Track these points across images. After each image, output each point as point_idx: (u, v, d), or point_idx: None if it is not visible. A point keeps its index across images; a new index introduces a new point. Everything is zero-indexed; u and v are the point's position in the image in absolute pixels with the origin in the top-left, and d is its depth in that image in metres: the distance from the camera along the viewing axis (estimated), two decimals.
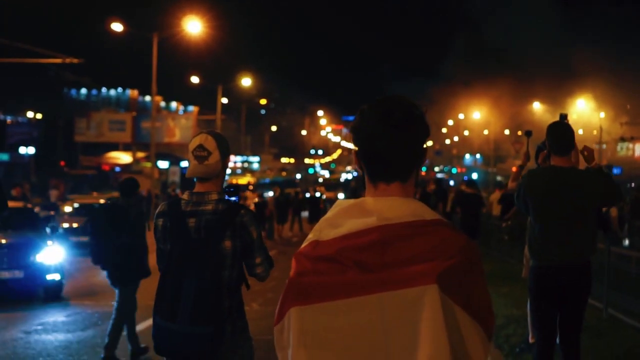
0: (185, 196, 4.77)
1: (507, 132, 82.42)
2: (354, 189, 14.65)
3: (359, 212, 2.42)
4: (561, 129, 6.52)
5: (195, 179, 4.76)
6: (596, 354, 9.22)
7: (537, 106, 67.72)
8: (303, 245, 2.47)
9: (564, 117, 10.34)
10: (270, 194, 33.97)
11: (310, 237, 2.47)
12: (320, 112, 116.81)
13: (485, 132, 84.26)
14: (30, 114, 63.79)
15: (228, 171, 27.20)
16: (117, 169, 60.19)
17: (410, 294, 2.23)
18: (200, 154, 4.69)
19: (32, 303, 14.57)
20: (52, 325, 12.20)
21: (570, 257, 6.21)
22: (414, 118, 2.48)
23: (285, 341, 2.41)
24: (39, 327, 12.06)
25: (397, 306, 2.25)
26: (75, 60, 35.95)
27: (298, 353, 2.33)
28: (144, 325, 10.87)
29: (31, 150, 60.16)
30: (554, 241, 6.20)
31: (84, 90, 67.42)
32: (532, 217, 6.49)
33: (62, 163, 61.57)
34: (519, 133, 71.68)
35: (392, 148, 2.45)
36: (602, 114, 68.90)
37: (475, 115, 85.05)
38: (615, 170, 59.35)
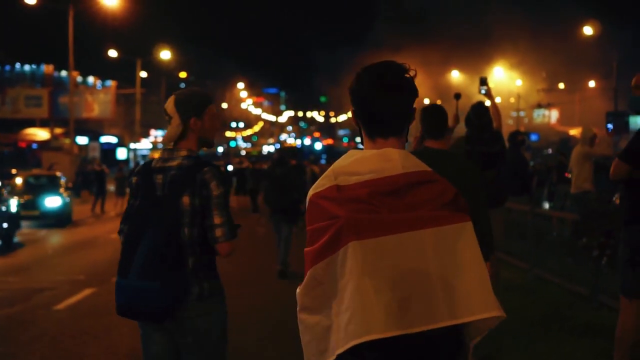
0: (159, 154, 4.68)
1: (427, 101, 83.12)
2: (277, 160, 14.90)
3: (383, 160, 2.81)
4: (434, 113, 6.40)
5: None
6: (524, 312, 9.40)
7: (455, 75, 68.40)
8: (318, 190, 2.81)
9: (484, 80, 10.48)
10: None
11: (324, 182, 2.81)
12: (240, 85, 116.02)
13: None
14: None
15: (149, 146, 27.04)
16: (35, 145, 58.94)
17: (453, 229, 2.74)
18: (165, 118, 4.63)
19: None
20: None
21: None
22: (405, 80, 2.90)
23: (338, 272, 2.69)
24: None
25: (445, 238, 2.72)
26: None
27: (362, 281, 2.64)
28: None
29: None
30: None
31: None
32: None
33: None
34: (439, 102, 72.37)
35: (386, 108, 2.85)
36: (519, 82, 69.96)
37: None
38: (533, 137, 60.49)
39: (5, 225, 19.66)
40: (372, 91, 2.86)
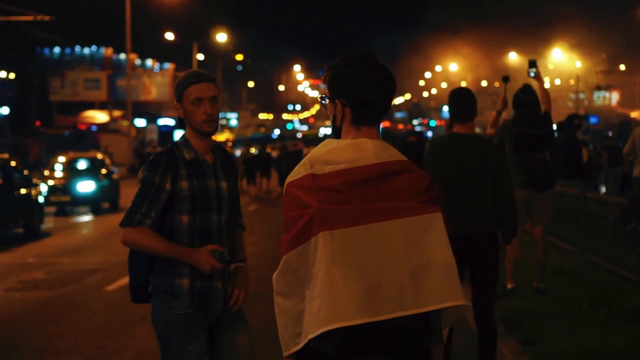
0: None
1: (484, 83, 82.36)
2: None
3: (357, 150, 2.90)
4: (460, 97, 6.33)
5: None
6: (573, 296, 9.28)
7: (513, 56, 67.61)
8: (294, 178, 2.89)
9: (533, 63, 10.34)
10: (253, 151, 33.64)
11: (301, 171, 2.90)
12: (297, 67, 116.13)
13: (463, 83, 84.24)
14: (2, 74, 62.98)
15: None
16: (94, 127, 59.69)
17: (423, 219, 2.83)
18: None
19: (10, 261, 14.52)
20: (32, 283, 12.16)
21: (473, 225, 6.05)
22: (389, 71, 3.02)
23: (310, 260, 2.80)
24: (19, 285, 12.01)
25: (413, 228, 2.82)
26: (46, 18, 35.45)
27: (331, 270, 2.75)
28: None
29: (5, 110, 59.50)
30: (455, 210, 5.99)
31: (57, 49, 66.49)
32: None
33: (38, 123, 60.97)
34: (496, 85, 71.74)
35: (384, 96, 2.98)
36: (579, 63, 68.91)
37: (453, 67, 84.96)
38: (592, 119, 59.56)
39: (28, 212, 18.45)
40: (368, 79, 2.96)
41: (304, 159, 2.97)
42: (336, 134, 3.07)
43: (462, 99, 6.26)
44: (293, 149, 33.46)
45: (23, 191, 18.49)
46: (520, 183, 9.17)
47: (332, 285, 2.75)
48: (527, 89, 9.42)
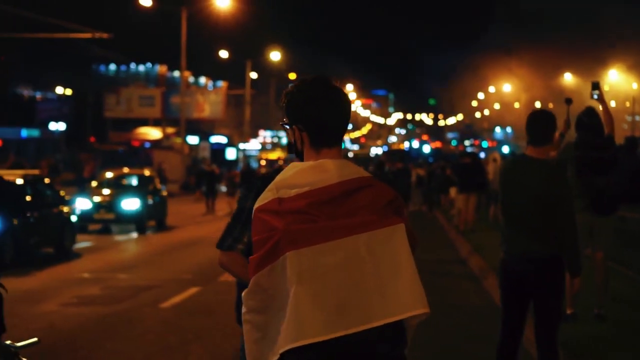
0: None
1: (538, 104, 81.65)
2: (379, 163, 15.09)
3: (320, 171, 2.99)
4: (535, 120, 6.28)
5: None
6: (634, 324, 9.09)
7: (568, 77, 66.93)
8: (261, 204, 3.00)
9: (596, 85, 10.16)
10: None
11: (268, 195, 2.99)
12: (349, 86, 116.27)
13: (516, 105, 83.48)
14: (59, 90, 63.94)
15: (258, 147, 26.66)
16: (147, 144, 60.27)
17: (386, 232, 2.95)
18: None
19: (66, 277, 14.63)
20: (88, 299, 12.23)
21: (532, 249, 6.00)
22: (342, 92, 3.13)
23: (278, 280, 2.91)
24: (75, 300, 12.08)
25: (378, 241, 2.93)
26: (104, 35, 35.88)
27: (299, 289, 2.85)
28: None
29: (61, 126, 60.36)
30: (515, 232, 6.03)
31: (112, 66, 67.39)
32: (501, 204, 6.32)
33: (92, 139, 61.74)
34: (550, 105, 71.02)
35: (336, 118, 3.07)
36: (635, 85, 67.98)
37: (506, 88, 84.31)
38: None
39: (58, 231, 17.53)
40: (318, 103, 3.06)
41: (271, 183, 3.06)
42: (299, 157, 3.15)
43: (535, 122, 6.24)
44: None
45: (53, 209, 17.84)
46: (583, 207, 9.01)
47: (299, 303, 2.85)
48: (590, 112, 9.28)
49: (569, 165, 9.22)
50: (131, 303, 11.85)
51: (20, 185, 17.13)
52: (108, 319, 10.71)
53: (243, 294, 3.03)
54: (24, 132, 57.00)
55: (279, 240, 2.90)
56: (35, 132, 58.11)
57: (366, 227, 2.93)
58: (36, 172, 19.60)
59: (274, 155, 63.51)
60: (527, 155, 6.22)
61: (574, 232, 6.07)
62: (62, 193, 19.13)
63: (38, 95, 63.60)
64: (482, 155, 58.96)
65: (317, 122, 3.06)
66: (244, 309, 3.04)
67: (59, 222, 17.74)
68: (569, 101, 9.77)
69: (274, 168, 4.46)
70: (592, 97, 10.02)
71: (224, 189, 35.34)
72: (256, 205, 3.02)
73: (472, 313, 10.95)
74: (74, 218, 18.65)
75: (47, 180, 18.74)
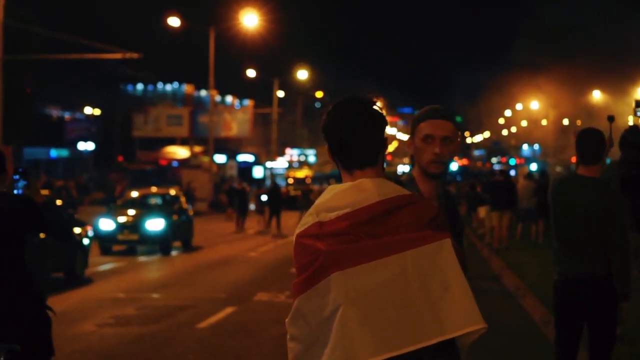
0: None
1: (566, 121, 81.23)
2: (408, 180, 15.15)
3: (359, 191, 2.93)
4: (586, 138, 6.21)
5: None
6: None
7: (597, 95, 66.55)
8: (303, 229, 2.94)
9: (611, 119, 10.03)
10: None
11: (309, 220, 2.94)
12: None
13: (544, 122, 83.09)
14: (88, 110, 64.41)
15: (285, 165, 26.59)
16: (175, 163, 60.56)
17: (432, 247, 2.87)
18: None
19: (102, 297, 14.63)
20: (125, 319, 12.21)
21: (587, 270, 5.93)
22: (372, 111, 3.05)
23: (317, 305, 2.85)
24: (112, 321, 12.05)
25: (424, 258, 2.85)
26: (135, 56, 36.07)
27: (346, 310, 2.78)
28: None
29: (90, 146, 60.80)
30: (569, 253, 5.97)
31: (140, 86, 67.90)
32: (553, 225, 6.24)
33: (120, 158, 62.12)
34: (578, 123, 70.62)
35: (357, 140, 2.98)
36: None
37: (534, 105, 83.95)
38: None
39: (69, 256, 16.33)
40: (342, 125, 3.01)
41: (311, 208, 3.01)
42: (338, 179, 3.13)
43: (586, 141, 6.15)
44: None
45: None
46: (627, 227, 8.87)
47: (348, 324, 2.79)
48: (634, 130, 9.16)
49: (612, 184, 9.10)
50: (168, 323, 11.80)
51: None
52: (147, 339, 10.67)
53: (286, 320, 2.99)
54: (53, 152, 57.50)
55: (322, 262, 2.84)
56: (64, 152, 58.58)
57: (411, 244, 2.86)
58: (46, 192, 18.77)
59: (301, 173, 63.61)
60: (579, 175, 6.15)
61: (627, 250, 5.99)
62: (75, 215, 18.62)
63: (67, 115, 64.11)
64: (512, 173, 58.70)
65: (339, 144, 3.02)
66: (287, 336, 2.99)
67: (69, 245, 16.16)
68: (611, 119, 9.63)
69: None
70: (635, 114, 9.90)
71: (252, 207, 35.42)
72: (297, 231, 2.97)
73: (508, 331, 10.80)
74: (86, 241, 17.56)
75: (59, 202, 17.96)
